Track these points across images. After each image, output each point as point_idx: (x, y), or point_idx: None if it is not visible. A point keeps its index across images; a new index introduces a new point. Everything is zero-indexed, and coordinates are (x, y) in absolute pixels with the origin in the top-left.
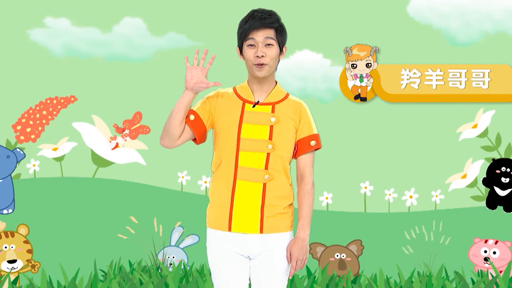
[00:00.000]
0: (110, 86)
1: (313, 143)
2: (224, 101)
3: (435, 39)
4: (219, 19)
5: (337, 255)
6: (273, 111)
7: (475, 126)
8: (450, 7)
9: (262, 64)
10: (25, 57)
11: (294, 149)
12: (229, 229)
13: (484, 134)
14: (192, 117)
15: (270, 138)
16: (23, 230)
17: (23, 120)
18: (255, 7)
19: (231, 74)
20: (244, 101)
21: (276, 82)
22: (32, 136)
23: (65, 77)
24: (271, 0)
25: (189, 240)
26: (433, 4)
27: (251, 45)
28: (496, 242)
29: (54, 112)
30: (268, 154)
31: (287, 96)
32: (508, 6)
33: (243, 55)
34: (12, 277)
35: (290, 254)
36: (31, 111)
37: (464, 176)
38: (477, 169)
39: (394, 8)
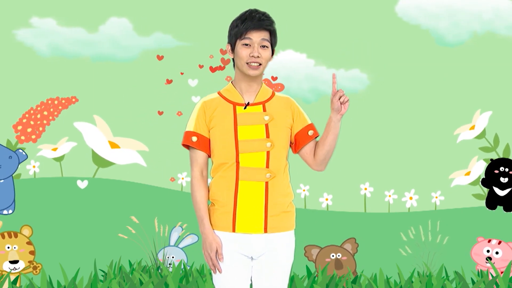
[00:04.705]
0: (96, 86)
1: (310, 132)
2: (214, 109)
3: (424, 39)
4: (205, 20)
5: (333, 255)
6: (264, 109)
7: (472, 128)
8: (439, 7)
9: (257, 64)
10: (11, 57)
11: (293, 144)
12: (233, 230)
13: (482, 135)
14: (194, 138)
15: (268, 136)
16: (26, 231)
17: (24, 120)
18: (240, 8)
19: (217, 74)
20: (234, 104)
21: (262, 82)
22: (33, 136)
23: (51, 77)
24: (256, 0)
25: (188, 240)
26: (422, 4)
27: (246, 44)
28: (499, 243)
29: (55, 113)
30: (268, 152)
31: (273, 94)
32: (496, 6)
33: (234, 53)
34: (12, 277)
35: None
36: (32, 111)
37: (468, 173)
38: (481, 167)
39: (382, 8)
